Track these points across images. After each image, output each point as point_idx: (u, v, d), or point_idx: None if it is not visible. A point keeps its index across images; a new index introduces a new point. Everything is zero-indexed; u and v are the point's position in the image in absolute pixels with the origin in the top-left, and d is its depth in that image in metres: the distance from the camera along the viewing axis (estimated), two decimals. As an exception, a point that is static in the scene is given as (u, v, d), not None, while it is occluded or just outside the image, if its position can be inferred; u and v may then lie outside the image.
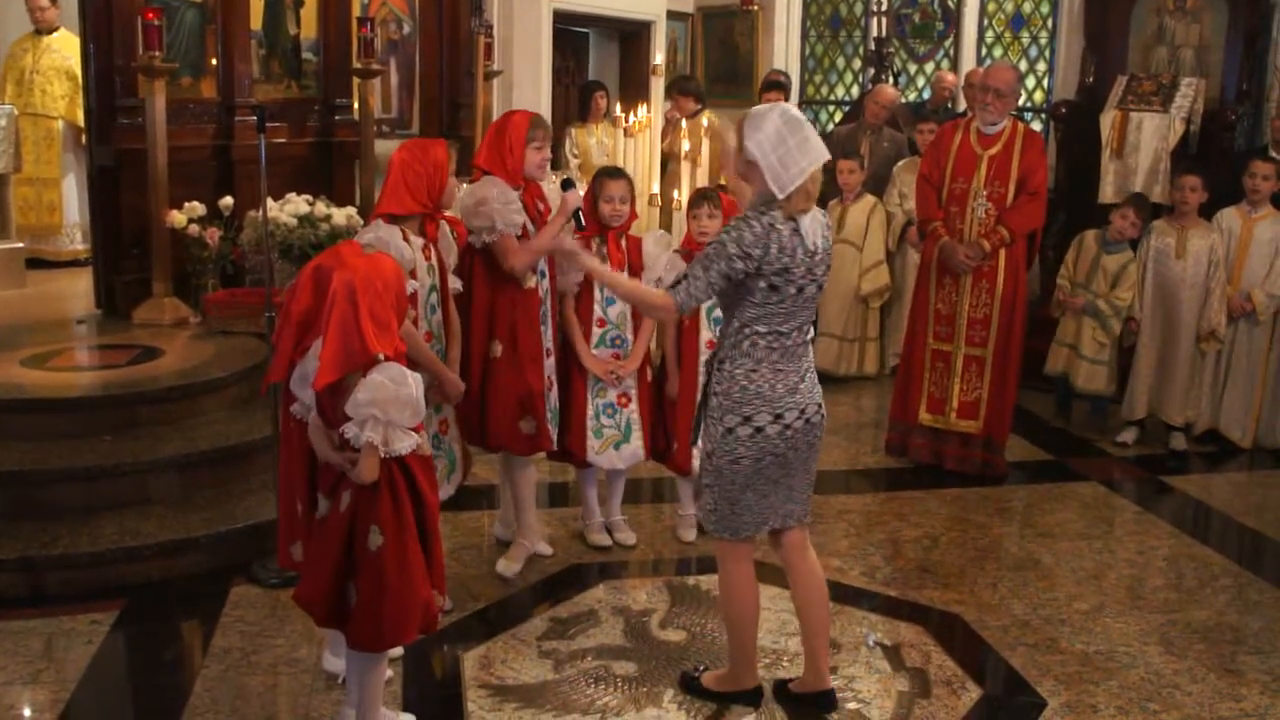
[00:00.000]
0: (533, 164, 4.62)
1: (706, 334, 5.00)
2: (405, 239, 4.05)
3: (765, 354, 3.59)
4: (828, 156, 3.60)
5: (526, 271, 4.57)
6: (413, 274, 4.03)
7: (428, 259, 4.18)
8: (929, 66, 10.73)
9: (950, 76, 9.95)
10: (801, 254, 3.53)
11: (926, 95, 10.35)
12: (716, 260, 3.51)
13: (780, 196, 3.50)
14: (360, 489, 3.22)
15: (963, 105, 9.30)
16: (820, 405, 3.73)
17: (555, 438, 4.88)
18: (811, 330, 3.73)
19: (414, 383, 3.19)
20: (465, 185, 4.65)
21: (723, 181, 8.00)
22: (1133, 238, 6.94)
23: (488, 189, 4.47)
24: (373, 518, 3.24)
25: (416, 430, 3.26)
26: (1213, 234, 6.77)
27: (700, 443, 3.82)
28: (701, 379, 4.95)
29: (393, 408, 3.14)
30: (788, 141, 3.48)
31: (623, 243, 4.97)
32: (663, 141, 8.26)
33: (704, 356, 4.98)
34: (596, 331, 4.98)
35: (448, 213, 4.39)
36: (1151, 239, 6.88)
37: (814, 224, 3.59)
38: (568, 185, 4.59)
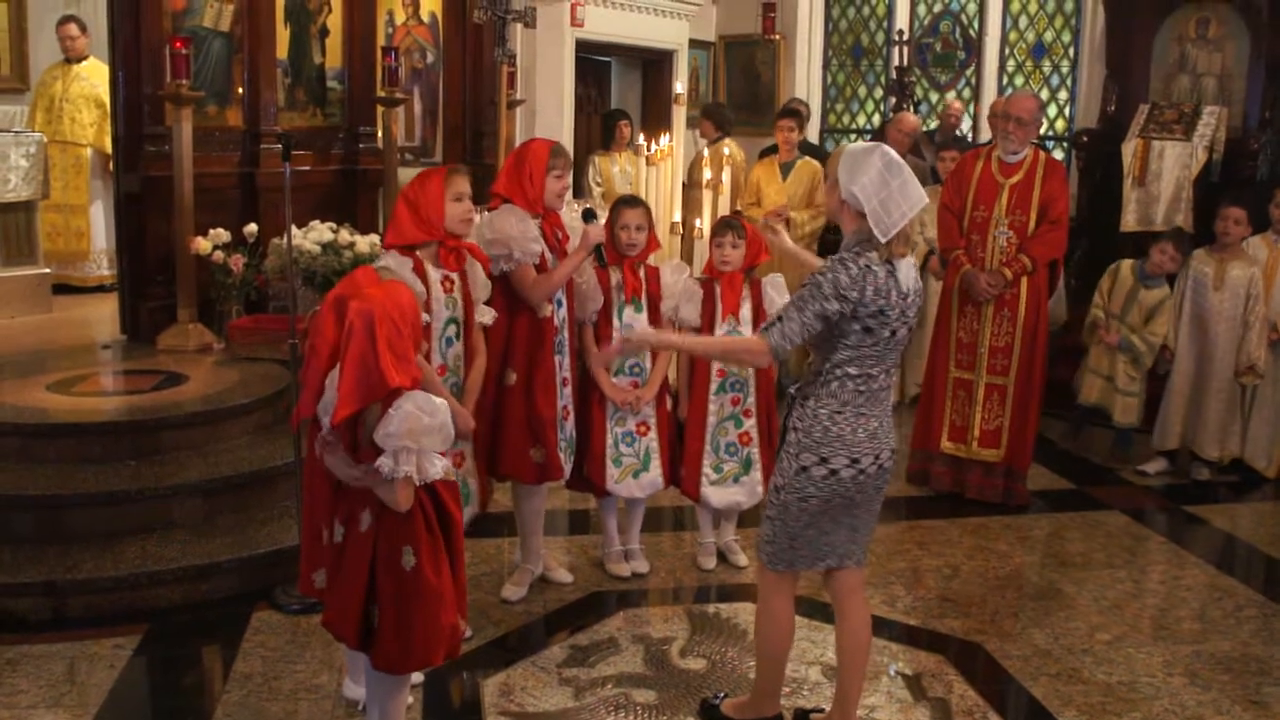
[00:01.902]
0: (552, 193, 4.61)
1: (718, 363, 5.00)
2: (421, 270, 4.05)
3: (852, 396, 3.54)
4: (926, 200, 3.54)
5: (544, 301, 4.58)
6: (426, 306, 4.02)
7: (448, 291, 4.16)
8: (950, 95, 10.76)
9: (957, 104, 9.97)
10: (896, 296, 3.47)
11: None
12: (812, 302, 3.46)
13: (883, 241, 3.45)
14: (383, 509, 3.24)
15: (966, 130, 9.31)
16: (893, 450, 3.68)
17: (568, 467, 4.88)
18: (895, 372, 3.69)
19: (442, 408, 3.20)
20: (484, 213, 4.65)
21: (739, 208, 8.03)
22: (1171, 273, 6.89)
23: (506, 218, 4.47)
24: (404, 538, 3.25)
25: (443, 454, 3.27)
26: (1253, 267, 6.71)
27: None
28: (713, 407, 5.00)
29: (424, 436, 3.14)
30: (890, 185, 3.43)
31: (641, 271, 4.99)
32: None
33: (714, 385, 5.00)
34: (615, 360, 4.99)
35: (466, 241, 4.37)
36: (1191, 267, 6.85)
37: (908, 266, 3.54)
38: (589, 216, 4.57)
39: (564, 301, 4.74)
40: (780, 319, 3.52)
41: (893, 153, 3.51)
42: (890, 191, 3.42)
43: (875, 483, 3.64)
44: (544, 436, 4.66)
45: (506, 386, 4.60)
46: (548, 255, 4.57)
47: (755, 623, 3.89)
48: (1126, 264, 7.05)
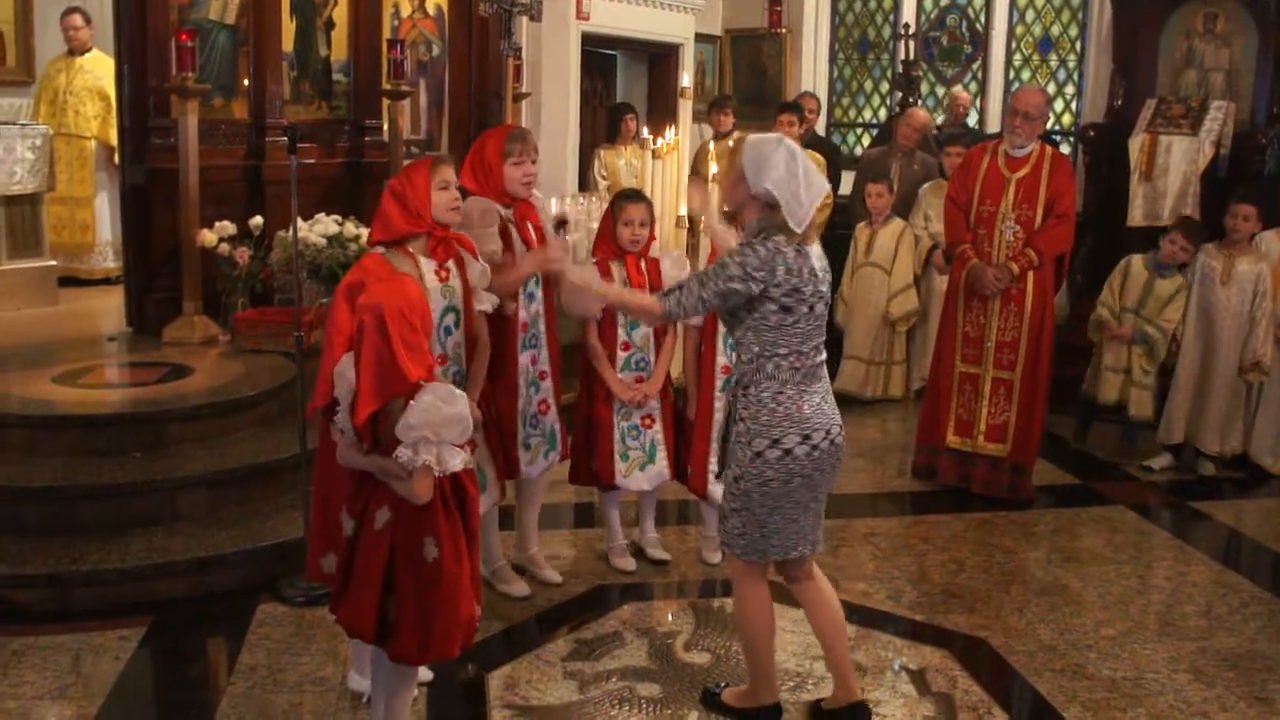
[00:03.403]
0: (513, 180, 4.51)
1: (722, 359, 4.95)
2: (415, 262, 3.99)
3: (790, 375, 3.63)
4: (827, 187, 3.66)
5: (506, 299, 4.46)
6: None
7: (444, 279, 4.09)
8: (957, 88, 10.74)
9: (964, 94, 9.95)
10: (808, 273, 3.59)
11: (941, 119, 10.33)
12: (715, 278, 3.57)
13: (798, 231, 3.56)
14: (401, 504, 3.24)
15: (974, 123, 9.29)
16: (841, 426, 3.76)
17: (545, 462, 4.83)
18: (824, 350, 3.75)
19: (461, 399, 3.19)
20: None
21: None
22: (1183, 262, 6.87)
23: (471, 208, 4.37)
24: (425, 530, 3.24)
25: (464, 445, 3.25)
26: (1260, 263, 6.68)
27: (726, 469, 3.82)
28: (718, 404, 4.99)
29: (444, 427, 3.13)
30: (798, 176, 3.55)
31: (642, 265, 4.95)
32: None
33: (719, 381, 4.96)
34: (621, 355, 4.97)
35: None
36: (1200, 261, 6.81)
37: (816, 249, 3.68)
38: (558, 226, 4.40)
39: (537, 294, 4.67)
40: (681, 287, 3.65)
41: (793, 143, 3.63)
42: (799, 183, 3.55)
43: (830, 459, 3.71)
44: (504, 437, 4.62)
45: None
46: (517, 246, 4.46)
47: (735, 613, 3.94)
48: (1137, 259, 7.01)
